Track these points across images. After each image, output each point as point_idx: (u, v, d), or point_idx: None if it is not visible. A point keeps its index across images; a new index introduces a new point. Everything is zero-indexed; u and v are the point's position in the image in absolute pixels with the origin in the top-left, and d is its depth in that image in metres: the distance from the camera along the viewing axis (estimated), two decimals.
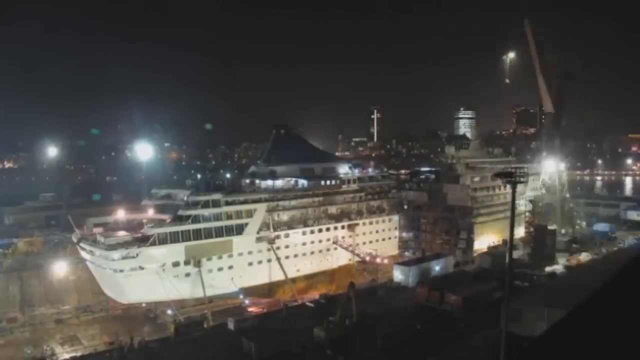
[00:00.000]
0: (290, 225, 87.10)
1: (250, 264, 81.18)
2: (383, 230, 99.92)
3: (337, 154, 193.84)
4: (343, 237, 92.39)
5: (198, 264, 74.61)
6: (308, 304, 75.08)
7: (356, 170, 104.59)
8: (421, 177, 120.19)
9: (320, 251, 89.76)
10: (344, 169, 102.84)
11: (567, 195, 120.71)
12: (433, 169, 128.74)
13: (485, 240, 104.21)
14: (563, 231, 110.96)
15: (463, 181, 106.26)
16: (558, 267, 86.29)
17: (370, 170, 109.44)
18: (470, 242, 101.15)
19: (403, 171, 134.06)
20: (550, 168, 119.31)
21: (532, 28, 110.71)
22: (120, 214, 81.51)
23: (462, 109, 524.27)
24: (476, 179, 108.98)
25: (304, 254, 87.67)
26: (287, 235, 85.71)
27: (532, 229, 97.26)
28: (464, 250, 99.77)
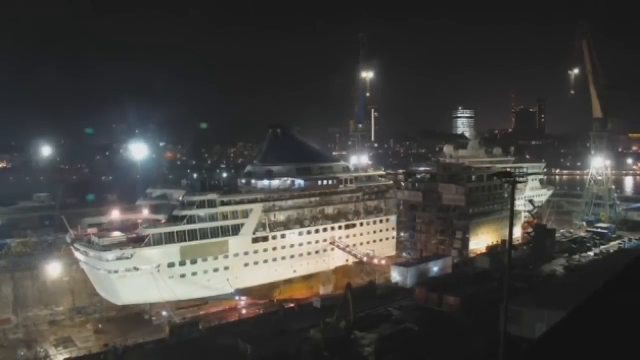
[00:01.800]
0: (287, 225, 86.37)
1: (247, 264, 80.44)
2: (381, 231, 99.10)
3: (334, 153, 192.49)
4: (340, 238, 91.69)
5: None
6: (305, 305, 74.48)
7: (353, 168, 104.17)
8: (416, 176, 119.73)
9: (317, 252, 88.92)
10: (340, 169, 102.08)
11: (613, 186, 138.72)
12: (429, 168, 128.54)
13: (481, 240, 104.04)
14: (620, 209, 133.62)
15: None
16: (558, 268, 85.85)
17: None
18: (466, 242, 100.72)
19: (401, 171, 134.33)
20: (599, 164, 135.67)
21: (589, 47, 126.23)
22: (115, 215, 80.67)
23: (460, 108, 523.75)
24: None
25: (301, 255, 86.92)
26: (283, 236, 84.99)
27: (531, 230, 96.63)
28: (460, 251, 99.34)
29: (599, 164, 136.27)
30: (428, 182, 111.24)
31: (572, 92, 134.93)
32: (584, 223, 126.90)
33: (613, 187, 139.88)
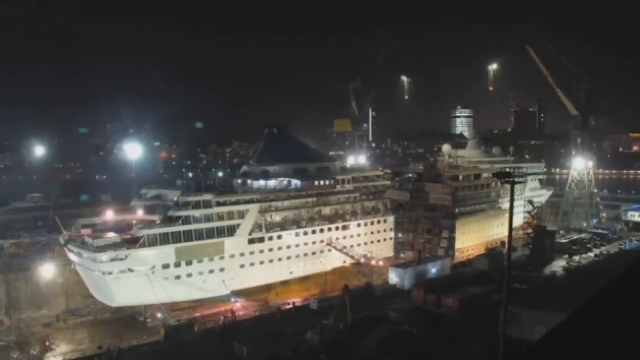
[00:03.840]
0: (283, 226, 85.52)
1: (242, 266, 79.63)
2: (378, 232, 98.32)
3: (331, 153, 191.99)
4: (337, 239, 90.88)
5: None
6: (301, 307, 73.73)
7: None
8: (404, 176, 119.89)
9: (314, 253, 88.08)
10: (337, 169, 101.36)
11: (595, 190, 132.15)
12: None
13: (467, 239, 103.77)
14: (594, 221, 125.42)
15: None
16: (557, 269, 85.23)
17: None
18: (452, 241, 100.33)
19: (388, 170, 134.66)
20: (579, 165, 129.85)
21: (538, 54, 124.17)
22: (109, 215, 79.83)
23: (458, 107, 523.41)
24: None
25: (297, 256, 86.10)
26: (279, 237, 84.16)
27: (530, 230, 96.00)
28: (446, 250, 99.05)
29: (580, 165, 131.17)
30: (415, 181, 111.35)
31: (491, 88, 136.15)
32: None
33: (595, 190, 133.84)
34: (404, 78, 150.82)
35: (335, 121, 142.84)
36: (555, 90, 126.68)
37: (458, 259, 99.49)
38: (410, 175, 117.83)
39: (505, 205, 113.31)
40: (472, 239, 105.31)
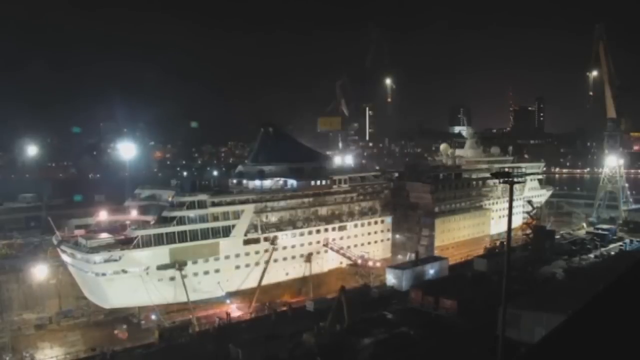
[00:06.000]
0: (279, 227, 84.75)
1: (238, 267, 78.86)
2: (375, 232, 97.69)
3: (327, 152, 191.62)
4: (334, 240, 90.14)
5: (180, 267, 72.04)
6: (297, 308, 73.03)
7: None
8: (389, 175, 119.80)
9: (310, 254, 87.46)
10: (334, 168, 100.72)
11: (626, 184, 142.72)
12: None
13: (447, 237, 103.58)
14: (623, 212, 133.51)
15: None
16: (557, 270, 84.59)
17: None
18: (431, 239, 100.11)
19: (378, 169, 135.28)
20: (612, 163, 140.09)
21: (605, 50, 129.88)
22: (103, 215, 78.87)
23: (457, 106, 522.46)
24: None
25: (293, 257, 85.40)
26: (275, 238, 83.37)
27: (529, 231, 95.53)
28: (427, 248, 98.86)
29: (612, 163, 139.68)
30: (396, 180, 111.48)
31: (591, 93, 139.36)
32: (590, 221, 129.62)
33: (626, 185, 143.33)
34: (389, 81, 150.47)
35: (319, 119, 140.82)
36: (606, 87, 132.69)
37: None
38: (395, 174, 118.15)
39: (497, 205, 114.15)
40: (452, 236, 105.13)
